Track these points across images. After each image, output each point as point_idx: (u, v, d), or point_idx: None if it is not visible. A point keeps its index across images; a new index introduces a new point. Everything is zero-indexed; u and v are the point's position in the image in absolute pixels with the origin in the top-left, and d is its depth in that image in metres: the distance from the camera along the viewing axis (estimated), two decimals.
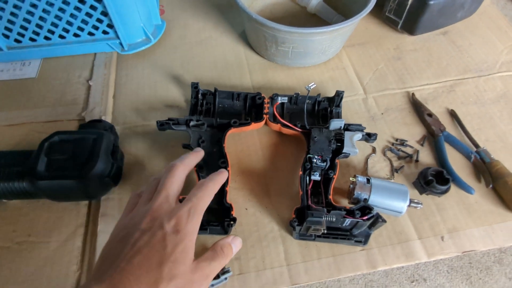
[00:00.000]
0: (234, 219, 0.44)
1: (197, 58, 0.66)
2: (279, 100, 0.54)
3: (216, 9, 0.75)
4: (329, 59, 0.65)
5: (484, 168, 0.51)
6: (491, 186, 0.50)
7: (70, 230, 0.47)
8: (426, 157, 0.54)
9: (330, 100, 0.56)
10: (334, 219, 0.43)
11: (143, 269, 0.29)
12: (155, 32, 0.68)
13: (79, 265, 0.44)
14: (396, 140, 0.56)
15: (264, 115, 0.53)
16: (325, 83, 0.62)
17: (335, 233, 0.45)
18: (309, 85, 0.52)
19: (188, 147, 0.49)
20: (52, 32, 0.61)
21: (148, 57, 0.66)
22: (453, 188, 0.50)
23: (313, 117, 0.57)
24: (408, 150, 0.54)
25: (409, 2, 0.62)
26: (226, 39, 0.69)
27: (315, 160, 0.48)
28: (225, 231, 0.44)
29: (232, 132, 0.53)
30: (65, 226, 0.47)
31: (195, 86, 0.55)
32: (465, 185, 0.50)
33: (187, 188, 0.38)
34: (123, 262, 0.29)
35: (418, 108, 0.58)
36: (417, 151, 0.54)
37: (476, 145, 0.54)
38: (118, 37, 0.63)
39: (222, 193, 0.46)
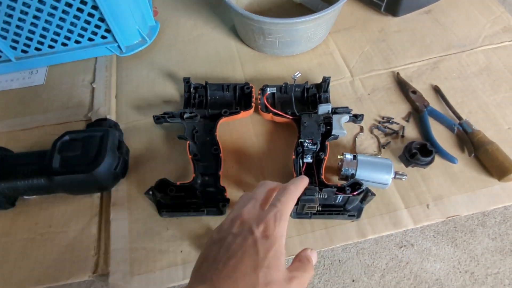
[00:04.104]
0: (228, 200, 0.48)
1: (191, 54, 0.70)
2: (268, 91, 0.57)
3: (206, 6, 0.78)
4: (316, 46, 0.68)
5: (467, 139, 0.54)
6: (473, 155, 0.53)
7: (86, 219, 0.51)
8: (411, 132, 0.57)
9: (318, 86, 0.60)
10: (326, 196, 0.46)
11: (239, 272, 0.30)
12: (150, 33, 0.72)
13: (96, 250, 0.49)
14: (383, 118, 0.59)
15: (253, 104, 0.57)
16: (314, 69, 0.66)
17: (329, 210, 0.49)
18: (295, 74, 0.56)
19: (183, 138, 0.54)
20: (55, 41, 0.65)
21: (145, 57, 0.70)
22: (438, 159, 0.53)
23: (303, 104, 0.60)
24: (394, 127, 0.58)
25: None
26: (217, 34, 0.73)
27: (306, 144, 0.52)
28: (221, 211, 0.49)
29: (224, 121, 0.57)
30: (81, 216, 0.52)
31: (187, 81, 0.59)
32: (449, 156, 0.53)
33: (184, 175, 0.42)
34: (220, 264, 0.30)
35: (403, 87, 0.61)
36: (402, 127, 0.57)
37: (459, 117, 0.57)
38: (116, 41, 0.67)
39: (216, 177, 0.50)
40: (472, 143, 0.53)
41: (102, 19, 0.63)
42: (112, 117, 0.62)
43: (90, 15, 0.62)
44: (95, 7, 0.60)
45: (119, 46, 0.69)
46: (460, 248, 0.48)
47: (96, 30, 0.65)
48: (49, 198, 0.53)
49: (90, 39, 0.67)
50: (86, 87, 0.66)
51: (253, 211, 0.35)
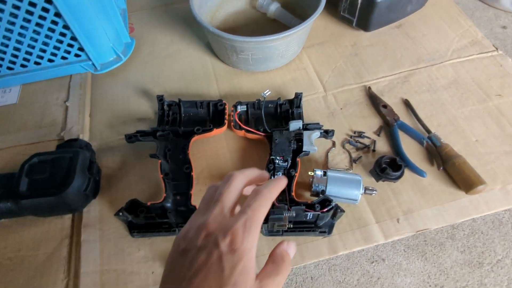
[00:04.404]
0: None
1: (166, 71, 0.70)
2: (239, 109, 0.57)
3: (183, 22, 0.79)
4: (290, 61, 0.69)
5: (435, 152, 0.55)
6: (441, 168, 0.54)
7: (56, 242, 0.51)
8: (382, 146, 0.58)
9: (291, 102, 0.60)
10: (294, 214, 0.46)
11: None
12: (125, 50, 0.72)
13: (66, 273, 0.48)
14: (354, 132, 0.59)
15: (226, 120, 0.57)
16: (288, 85, 0.66)
17: (301, 227, 0.49)
18: (264, 92, 0.56)
19: (155, 157, 0.53)
20: (28, 60, 0.65)
21: (120, 74, 0.70)
22: (408, 173, 0.54)
23: (276, 120, 0.61)
24: (366, 141, 0.58)
25: (359, 2, 0.66)
26: (193, 50, 0.73)
27: (277, 161, 0.52)
28: None
29: (197, 139, 0.57)
30: (52, 238, 0.51)
31: (160, 99, 0.59)
32: (418, 169, 0.54)
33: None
34: (184, 282, 0.28)
35: (374, 101, 0.62)
36: (374, 142, 0.58)
37: (428, 131, 0.58)
38: (90, 59, 0.67)
39: (187, 196, 0.50)
40: (440, 157, 0.54)
41: (74, 38, 0.63)
42: (86, 136, 0.61)
43: (62, 34, 0.62)
44: (66, 27, 0.60)
45: (93, 64, 0.69)
46: (430, 262, 0.49)
47: (69, 49, 0.65)
48: (18, 221, 0.52)
49: (63, 58, 0.66)
50: (60, 106, 0.66)
51: (219, 218, 0.31)
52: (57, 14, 0.58)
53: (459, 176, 0.52)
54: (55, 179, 0.48)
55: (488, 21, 0.78)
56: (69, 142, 0.55)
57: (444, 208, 0.51)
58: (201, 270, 0.28)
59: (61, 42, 0.63)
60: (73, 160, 0.50)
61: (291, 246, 0.34)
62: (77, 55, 0.67)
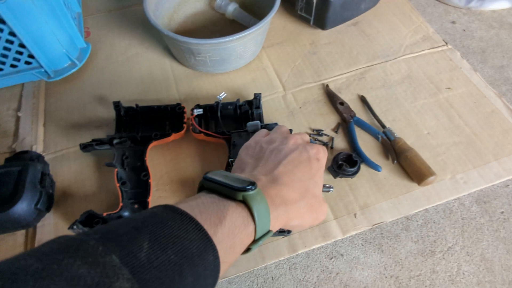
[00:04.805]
0: None
1: (125, 76, 0.69)
2: (195, 112, 0.57)
3: (141, 25, 0.77)
4: (249, 61, 0.69)
5: (390, 146, 0.57)
6: (395, 162, 0.56)
7: None
8: (340, 143, 0.59)
9: (250, 103, 0.60)
10: None
11: (297, 176, 0.34)
12: (80, 56, 0.70)
13: None
14: (313, 130, 0.60)
15: (184, 124, 0.57)
16: (248, 85, 0.66)
17: None
18: (220, 95, 0.56)
19: (111, 165, 0.52)
20: None
21: (76, 81, 0.68)
22: (364, 168, 0.56)
23: (237, 121, 0.61)
24: (324, 139, 0.59)
25: (314, 1, 0.67)
26: (152, 54, 0.72)
27: None
28: None
29: (156, 145, 0.56)
30: (3, 257, 0.49)
31: (116, 105, 0.58)
32: (373, 164, 0.55)
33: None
34: (280, 165, 0.35)
35: (331, 98, 0.63)
36: (332, 139, 0.59)
37: (383, 126, 0.60)
38: (41, 66, 0.65)
39: (145, 204, 0.49)
40: (394, 151, 0.56)
41: (23, 45, 0.60)
42: (39, 147, 0.59)
43: (9, 41, 0.59)
44: (12, 34, 0.58)
45: (46, 71, 0.66)
46: (386, 254, 0.51)
47: (18, 56, 0.62)
48: None
49: (13, 66, 0.64)
50: (11, 116, 0.63)
51: (300, 141, 0.40)
52: (2, 21, 0.55)
53: (411, 168, 0.54)
54: (2, 194, 0.47)
55: (438, 17, 0.81)
56: (18, 155, 0.53)
57: (398, 201, 0.53)
58: (294, 161, 0.35)
59: (8, 49, 0.60)
60: (22, 174, 0.48)
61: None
62: (27, 63, 0.64)
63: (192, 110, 0.58)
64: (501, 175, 0.54)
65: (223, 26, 0.76)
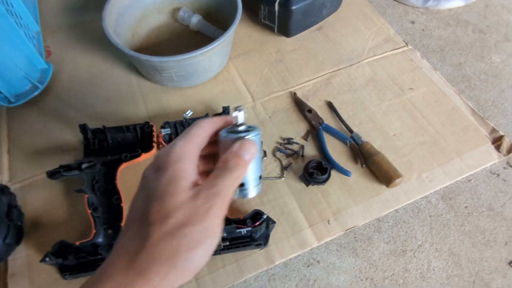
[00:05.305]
0: None
1: (90, 95, 0.67)
2: (163, 132, 0.57)
3: (104, 41, 0.74)
4: (217, 73, 0.69)
5: (358, 151, 0.59)
6: (364, 165, 0.57)
7: None
8: (310, 151, 0.60)
9: None
10: (225, 234, 0.47)
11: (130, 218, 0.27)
12: (42, 77, 0.67)
13: None
14: (284, 139, 0.61)
15: (154, 143, 0.56)
16: (217, 98, 0.67)
17: (237, 243, 0.50)
18: (186, 113, 0.56)
19: (82, 192, 0.51)
20: None
21: (39, 104, 0.66)
22: (335, 174, 0.57)
23: None
24: (295, 147, 0.60)
25: (276, 9, 0.67)
26: (117, 70, 0.71)
27: None
28: None
29: (126, 166, 0.55)
30: None
31: (83, 128, 0.57)
32: (343, 170, 0.57)
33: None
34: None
35: (300, 106, 0.65)
36: (302, 147, 0.60)
37: (351, 131, 0.61)
38: (0, 92, 0.62)
39: (119, 228, 0.49)
40: (362, 155, 0.58)
41: None
42: (5, 176, 0.57)
43: None
44: None
45: (6, 97, 0.64)
46: (360, 257, 0.52)
47: None
48: None
49: None
50: None
51: None
52: None
53: (379, 172, 0.56)
54: None
55: (398, 17, 0.83)
56: None
57: (369, 204, 0.55)
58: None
59: None
60: None
61: (245, 145, 0.29)
62: None
63: (161, 129, 0.58)
64: (464, 171, 0.57)
65: (187, 37, 0.75)
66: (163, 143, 0.56)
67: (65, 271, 0.48)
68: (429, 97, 0.66)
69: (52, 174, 0.53)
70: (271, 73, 0.70)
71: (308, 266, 0.52)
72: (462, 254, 0.53)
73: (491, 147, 0.60)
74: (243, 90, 0.68)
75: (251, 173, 0.32)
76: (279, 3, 0.66)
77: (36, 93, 0.66)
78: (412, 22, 0.82)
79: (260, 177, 0.33)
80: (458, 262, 0.53)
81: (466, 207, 0.58)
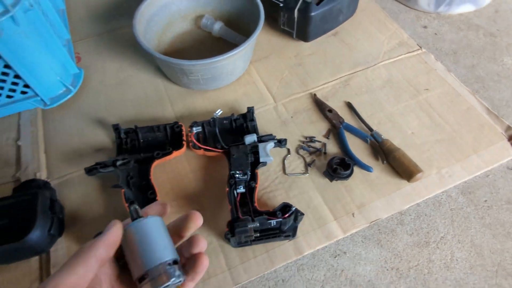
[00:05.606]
0: None
1: (119, 98, 0.71)
2: (194, 130, 0.60)
3: (131, 47, 0.79)
4: (239, 77, 0.72)
5: (378, 148, 0.61)
6: (385, 162, 0.60)
7: (25, 287, 0.50)
8: (332, 148, 0.63)
9: (244, 116, 0.64)
10: (258, 224, 0.49)
11: None
12: (74, 82, 0.71)
13: None
14: (306, 138, 0.64)
15: (184, 142, 0.59)
16: (240, 100, 0.70)
17: (267, 234, 0.52)
18: (216, 113, 0.59)
19: (118, 187, 0.54)
20: None
21: (72, 106, 0.69)
22: (357, 170, 0.60)
23: (233, 135, 0.64)
24: (317, 145, 0.63)
25: (296, 16, 0.71)
26: (144, 75, 0.74)
27: (237, 175, 0.55)
28: None
29: (158, 163, 0.58)
30: (19, 284, 0.50)
31: (116, 128, 0.60)
32: (365, 166, 0.59)
33: None
34: None
35: (320, 106, 0.67)
36: (324, 144, 0.63)
37: (370, 129, 0.64)
38: (37, 95, 0.66)
39: None
40: (383, 151, 0.60)
41: (18, 76, 0.62)
42: (43, 173, 0.60)
43: (4, 74, 0.60)
44: (8, 66, 0.59)
45: (42, 100, 0.67)
46: (385, 248, 0.54)
47: (14, 87, 0.63)
48: None
49: (8, 96, 0.65)
50: (11, 146, 0.64)
51: None
52: None
53: (400, 167, 0.58)
54: (15, 224, 0.48)
55: (411, 23, 0.87)
56: (25, 184, 0.54)
57: (391, 198, 0.57)
58: None
59: (4, 81, 0.62)
60: (33, 202, 0.50)
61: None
62: (23, 92, 0.65)
63: (191, 127, 0.61)
64: (481, 167, 0.59)
65: (210, 44, 0.79)
66: (194, 141, 0.59)
67: None
68: (444, 97, 0.68)
69: (89, 171, 0.56)
70: (291, 75, 0.73)
71: (335, 257, 0.54)
72: (484, 245, 0.55)
73: (508, 144, 0.62)
74: (265, 92, 0.71)
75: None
76: (298, 9, 0.70)
77: (69, 96, 0.70)
78: (425, 27, 0.86)
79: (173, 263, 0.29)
80: (481, 253, 0.54)
81: (485, 201, 0.60)
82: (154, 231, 0.29)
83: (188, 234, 0.33)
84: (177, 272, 0.28)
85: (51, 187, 0.56)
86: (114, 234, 0.28)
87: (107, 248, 0.28)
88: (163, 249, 0.29)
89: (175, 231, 0.32)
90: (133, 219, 0.30)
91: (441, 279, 0.52)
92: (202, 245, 0.31)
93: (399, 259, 0.54)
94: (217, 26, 0.76)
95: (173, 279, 0.28)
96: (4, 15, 0.52)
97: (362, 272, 0.53)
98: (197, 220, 0.32)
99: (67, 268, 0.25)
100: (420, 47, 0.76)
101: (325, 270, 0.53)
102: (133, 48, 0.79)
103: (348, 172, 0.57)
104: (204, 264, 0.31)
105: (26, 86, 0.64)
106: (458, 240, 0.56)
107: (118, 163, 0.57)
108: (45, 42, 0.63)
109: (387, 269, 0.53)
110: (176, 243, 0.31)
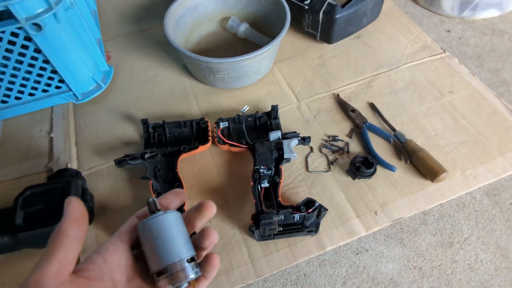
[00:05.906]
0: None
1: (147, 95, 0.73)
2: (221, 125, 0.61)
3: (159, 46, 0.82)
4: (263, 76, 0.74)
5: (401, 148, 0.62)
6: (408, 162, 0.60)
7: None
8: (355, 147, 0.63)
9: (268, 114, 0.65)
10: (283, 217, 0.50)
11: None
12: (104, 78, 0.74)
13: None
14: (329, 137, 0.65)
15: (209, 137, 0.61)
16: (264, 99, 0.71)
17: (290, 228, 0.53)
18: (243, 108, 0.61)
19: (146, 178, 0.56)
20: (8, 96, 0.66)
21: (102, 102, 0.72)
22: (380, 169, 0.60)
23: (257, 132, 0.65)
24: (340, 144, 0.64)
25: (320, 18, 0.72)
26: (171, 73, 0.77)
27: (262, 170, 0.56)
28: None
29: (184, 157, 0.60)
30: None
31: (144, 122, 0.62)
32: (388, 165, 0.59)
33: None
34: None
35: (343, 106, 0.68)
36: (347, 144, 0.64)
37: (394, 129, 0.64)
38: (70, 89, 0.69)
39: (180, 212, 0.53)
40: (406, 152, 0.61)
41: (55, 71, 0.65)
42: (74, 164, 0.63)
43: (42, 69, 0.64)
44: (46, 61, 0.62)
45: (74, 94, 0.70)
46: (407, 247, 0.54)
47: (49, 81, 0.67)
48: (15, 255, 0.53)
49: (44, 91, 0.68)
50: (44, 138, 0.67)
51: None
52: (37, 50, 0.60)
53: (424, 167, 0.58)
54: (50, 209, 0.50)
55: (434, 27, 0.87)
56: (59, 173, 0.57)
57: (414, 197, 0.57)
58: None
59: (41, 76, 0.65)
60: (66, 189, 0.52)
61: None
62: (58, 87, 0.69)
63: (218, 123, 0.62)
64: (507, 169, 0.59)
65: (235, 45, 0.81)
66: (221, 136, 0.60)
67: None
68: (469, 100, 0.68)
69: (119, 162, 0.59)
70: (314, 76, 0.74)
71: (357, 254, 0.54)
72: (509, 247, 0.54)
73: None
74: (288, 91, 0.72)
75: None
76: (323, 12, 0.71)
77: (100, 91, 0.73)
78: (448, 31, 0.86)
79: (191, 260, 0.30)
80: (506, 255, 0.54)
81: (511, 203, 0.60)
82: (173, 227, 0.31)
83: (201, 223, 0.34)
84: (195, 269, 0.30)
85: (82, 176, 0.59)
86: (73, 208, 0.29)
87: (75, 223, 0.28)
88: (182, 246, 0.30)
89: (189, 220, 0.33)
90: (151, 212, 0.31)
91: (465, 280, 0.52)
92: (213, 237, 0.32)
93: (422, 259, 0.53)
94: (243, 28, 0.78)
95: (191, 277, 0.29)
96: (47, 12, 0.55)
97: (384, 270, 0.53)
98: (211, 209, 0.33)
99: (45, 259, 0.26)
100: (444, 51, 0.76)
101: (347, 267, 0.53)
102: (160, 47, 0.82)
103: (371, 170, 0.58)
104: (215, 265, 0.32)
105: (61, 81, 0.67)
106: (483, 241, 0.55)
107: (147, 155, 0.59)
108: (81, 39, 0.66)
109: (410, 268, 0.53)
110: (189, 233, 0.33)
